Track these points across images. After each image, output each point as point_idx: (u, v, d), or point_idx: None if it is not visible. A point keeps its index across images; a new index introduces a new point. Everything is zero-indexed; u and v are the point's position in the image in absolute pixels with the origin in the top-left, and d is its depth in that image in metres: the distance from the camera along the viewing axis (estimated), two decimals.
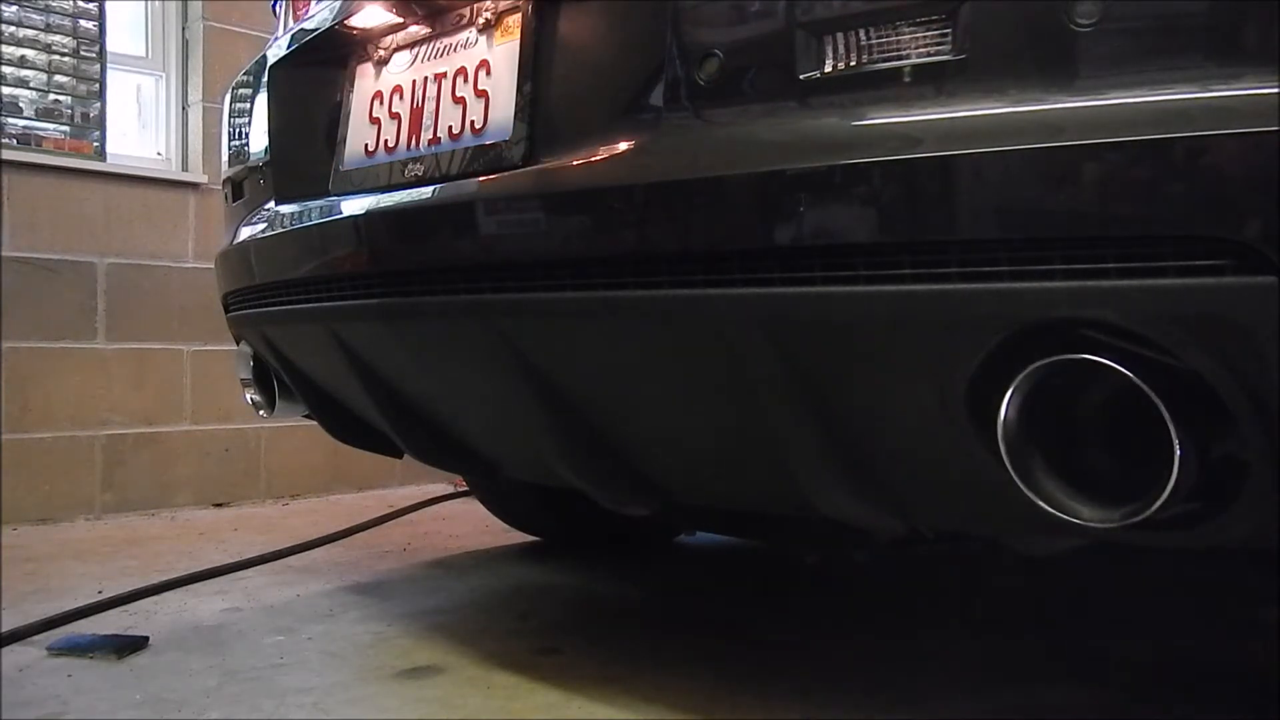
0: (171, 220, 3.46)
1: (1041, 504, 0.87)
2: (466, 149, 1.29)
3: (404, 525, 3.01)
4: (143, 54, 3.59)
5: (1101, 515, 0.85)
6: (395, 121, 1.43)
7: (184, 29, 3.62)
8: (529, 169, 1.19)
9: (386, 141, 1.44)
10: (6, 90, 3.17)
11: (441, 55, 1.38)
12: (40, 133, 3.23)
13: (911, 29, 0.91)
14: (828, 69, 0.96)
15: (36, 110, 3.23)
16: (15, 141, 3.17)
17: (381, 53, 1.49)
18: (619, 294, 1.07)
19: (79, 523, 3.16)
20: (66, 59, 3.29)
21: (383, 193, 1.38)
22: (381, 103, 1.47)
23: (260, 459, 3.63)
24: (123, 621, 1.90)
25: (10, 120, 3.17)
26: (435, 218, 1.30)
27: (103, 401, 3.29)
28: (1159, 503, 0.80)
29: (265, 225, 1.63)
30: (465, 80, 1.33)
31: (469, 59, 1.33)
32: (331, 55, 1.59)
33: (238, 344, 1.89)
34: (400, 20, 1.45)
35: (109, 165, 3.34)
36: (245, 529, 3.01)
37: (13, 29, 3.18)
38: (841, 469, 1.07)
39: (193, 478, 3.47)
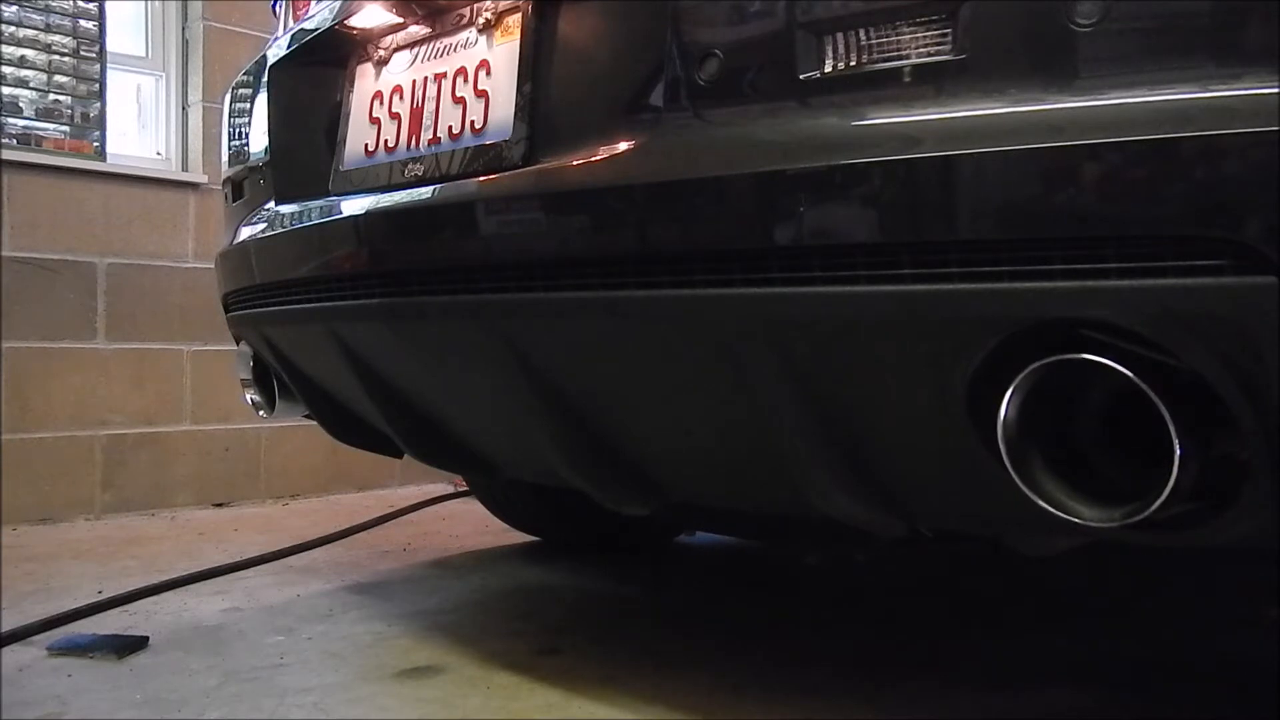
0: (171, 220, 3.46)
1: (1041, 504, 0.87)
2: (466, 149, 1.29)
3: (404, 525, 3.01)
4: (143, 54, 3.59)
5: (1101, 515, 0.85)
6: (395, 121, 1.43)
7: (184, 29, 3.62)
8: (529, 169, 1.19)
9: (386, 141, 1.44)
10: (6, 90, 3.17)
11: (441, 55, 1.38)
12: (40, 133, 3.23)
13: (911, 29, 0.91)
14: (828, 69, 0.96)
15: (36, 110, 3.23)
16: (15, 141, 3.17)
17: (381, 53, 1.49)
18: (619, 294, 1.07)
19: (79, 523, 3.16)
20: (66, 59, 3.29)
21: (383, 193, 1.38)
22: (381, 103, 1.47)
23: (260, 459, 3.63)
24: (123, 621, 1.90)
25: (10, 120, 3.17)
26: (435, 218, 1.30)
27: (103, 401, 3.29)
28: (1159, 503, 0.80)
29: (265, 225, 1.63)
30: (465, 80, 1.33)
31: (469, 59, 1.33)
32: (331, 55, 1.59)
33: (238, 344, 1.89)
34: (400, 20, 1.45)
35: (109, 165, 3.34)
36: (245, 529, 3.01)
37: (13, 29, 3.18)
38: (841, 469, 1.07)
39: (193, 478, 3.47)
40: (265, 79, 1.68)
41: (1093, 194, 0.79)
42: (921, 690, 1.52)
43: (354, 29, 1.52)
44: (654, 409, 1.22)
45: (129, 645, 1.71)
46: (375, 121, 1.47)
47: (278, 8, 1.81)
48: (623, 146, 1.10)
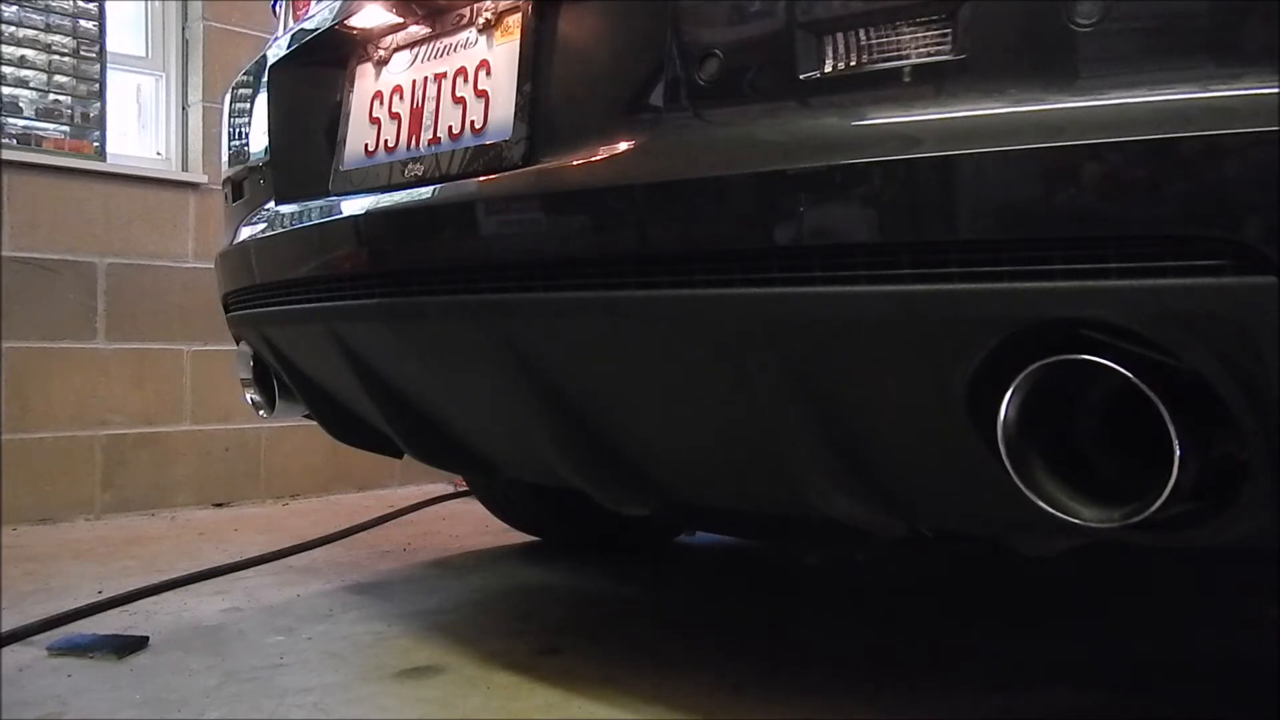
0: (171, 220, 3.46)
1: (1041, 504, 0.87)
2: (466, 149, 1.29)
3: (404, 525, 3.01)
4: (143, 54, 3.59)
5: (1101, 515, 0.85)
6: (395, 121, 1.43)
7: (184, 29, 3.62)
8: (529, 169, 1.19)
9: (386, 141, 1.44)
10: (6, 90, 3.17)
11: (441, 55, 1.38)
12: (40, 133, 3.23)
13: (911, 29, 0.91)
14: (828, 69, 0.96)
15: (36, 110, 3.23)
16: (15, 141, 3.17)
17: (381, 53, 1.49)
18: (619, 294, 1.07)
19: (79, 523, 3.16)
20: (66, 59, 3.29)
21: (383, 193, 1.38)
22: (381, 103, 1.47)
23: (260, 459, 3.63)
24: (123, 621, 1.90)
25: (10, 120, 3.17)
26: (435, 218, 1.30)
27: (103, 401, 3.29)
28: (1159, 503, 0.80)
29: (265, 225, 1.63)
30: (465, 80, 1.33)
31: (469, 59, 1.33)
32: (331, 55, 1.59)
33: (238, 344, 1.89)
34: (400, 20, 1.45)
35: (109, 165, 3.34)
36: (245, 529, 3.01)
37: (13, 29, 3.18)
38: (841, 469, 1.07)
39: (193, 478, 3.47)
40: (265, 79, 1.68)
41: (1093, 194, 0.79)
42: (921, 690, 1.52)
43: (354, 29, 1.52)
44: (654, 409, 1.22)
45: (129, 645, 1.71)
46: (375, 121, 1.47)
47: (278, 8, 1.81)
48: (623, 146, 1.10)
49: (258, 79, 1.72)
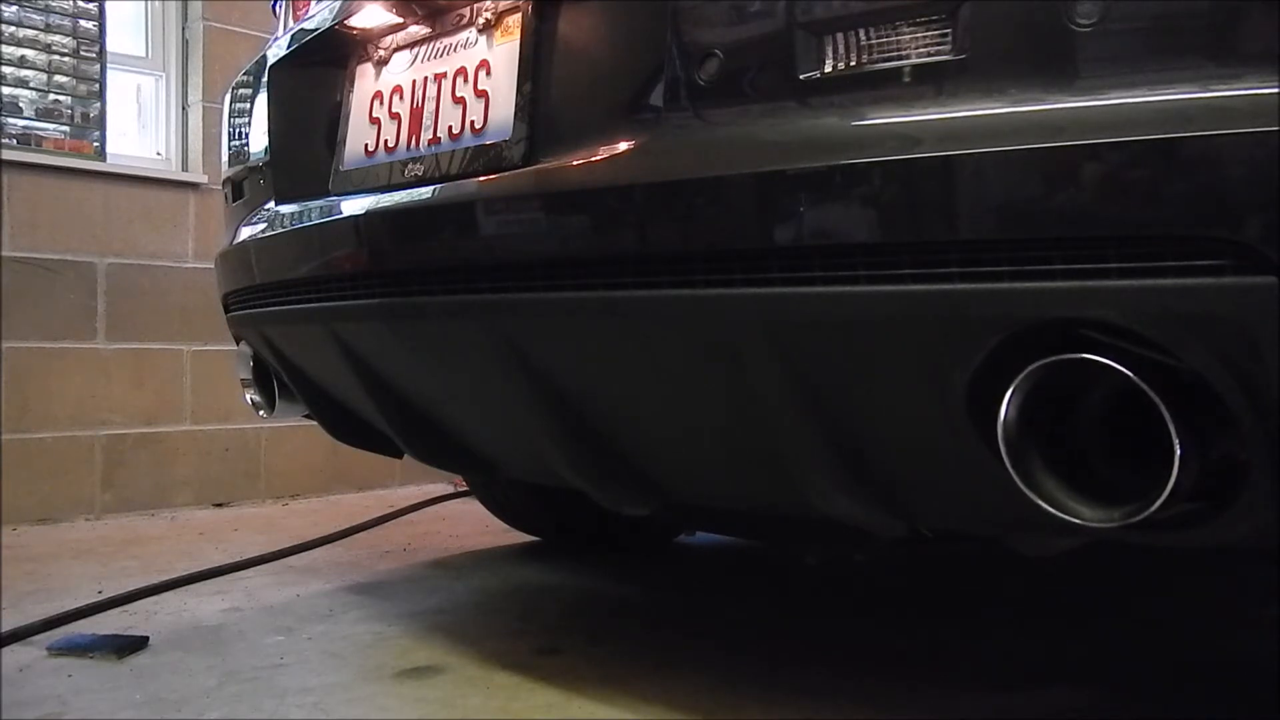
0: (171, 220, 3.46)
1: (1041, 504, 0.87)
2: (466, 149, 1.29)
3: (404, 525, 3.01)
4: (143, 54, 3.59)
5: (1101, 515, 0.85)
6: (395, 121, 1.43)
7: (184, 29, 3.62)
8: (529, 169, 1.19)
9: (386, 141, 1.44)
10: (6, 90, 3.17)
11: (441, 55, 1.38)
12: (40, 133, 3.23)
13: (911, 29, 0.91)
14: (828, 69, 0.96)
15: (36, 110, 3.23)
16: (15, 141, 3.17)
17: (381, 53, 1.49)
18: (619, 294, 1.07)
19: (79, 523, 3.16)
20: (66, 59, 3.29)
21: (383, 193, 1.38)
22: (381, 103, 1.47)
23: (260, 459, 3.63)
24: (123, 621, 1.90)
25: (10, 120, 3.17)
26: (435, 218, 1.30)
27: (103, 401, 3.29)
28: (1159, 503, 0.80)
29: (265, 225, 1.63)
30: (465, 80, 1.33)
31: (469, 59, 1.33)
32: (331, 55, 1.59)
33: (238, 344, 1.89)
34: (400, 20, 1.45)
35: (109, 165, 3.34)
36: (245, 529, 3.01)
37: (13, 29, 3.18)
38: (841, 469, 1.07)
39: (193, 478, 3.47)
40: (265, 79, 1.68)
41: (1093, 194, 0.79)
42: (922, 690, 1.52)
43: (354, 29, 1.52)
44: (654, 409, 1.22)
45: (129, 645, 1.71)
46: (375, 121, 1.47)
47: (278, 8, 1.81)
48: (623, 146, 1.10)
49: (258, 79, 1.72)
